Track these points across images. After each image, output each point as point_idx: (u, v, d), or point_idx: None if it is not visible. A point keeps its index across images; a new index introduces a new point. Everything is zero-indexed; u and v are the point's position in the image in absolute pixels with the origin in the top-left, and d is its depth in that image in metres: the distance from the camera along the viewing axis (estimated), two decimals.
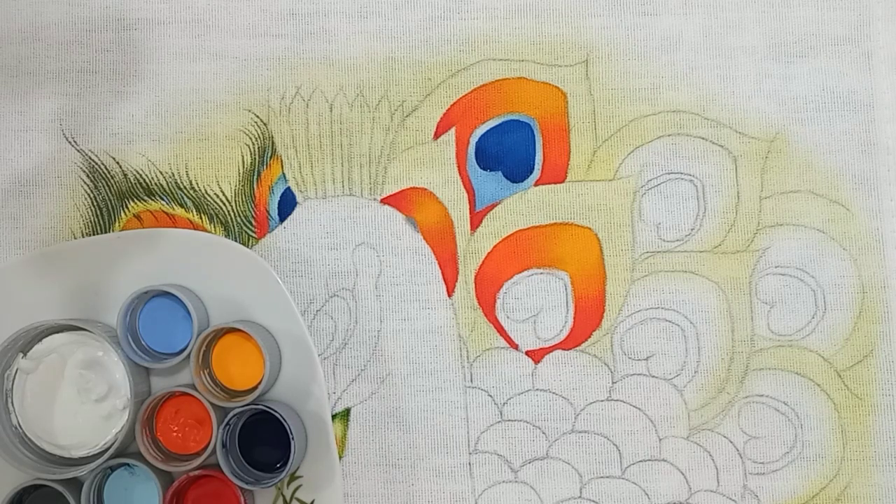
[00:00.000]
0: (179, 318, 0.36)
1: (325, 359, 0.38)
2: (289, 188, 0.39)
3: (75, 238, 0.39)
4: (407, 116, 0.39)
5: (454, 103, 0.39)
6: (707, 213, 0.39)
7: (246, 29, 0.39)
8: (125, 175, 0.39)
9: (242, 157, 0.39)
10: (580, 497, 0.38)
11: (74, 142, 0.39)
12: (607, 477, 0.38)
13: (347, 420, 0.38)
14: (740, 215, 0.39)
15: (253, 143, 0.39)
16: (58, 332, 0.36)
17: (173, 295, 0.35)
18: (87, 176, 0.39)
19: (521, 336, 0.38)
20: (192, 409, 0.36)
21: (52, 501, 0.35)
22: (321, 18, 0.39)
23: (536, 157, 0.39)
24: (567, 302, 0.38)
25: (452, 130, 0.39)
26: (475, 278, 0.38)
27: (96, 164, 0.39)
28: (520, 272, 0.38)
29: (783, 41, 0.39)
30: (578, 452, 0.38)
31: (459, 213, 0.39)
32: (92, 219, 0.39)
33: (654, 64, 0.39)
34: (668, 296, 0.38)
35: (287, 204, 0.39)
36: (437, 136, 0.39)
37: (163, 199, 0.39)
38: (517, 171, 0.39)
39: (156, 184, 0.39)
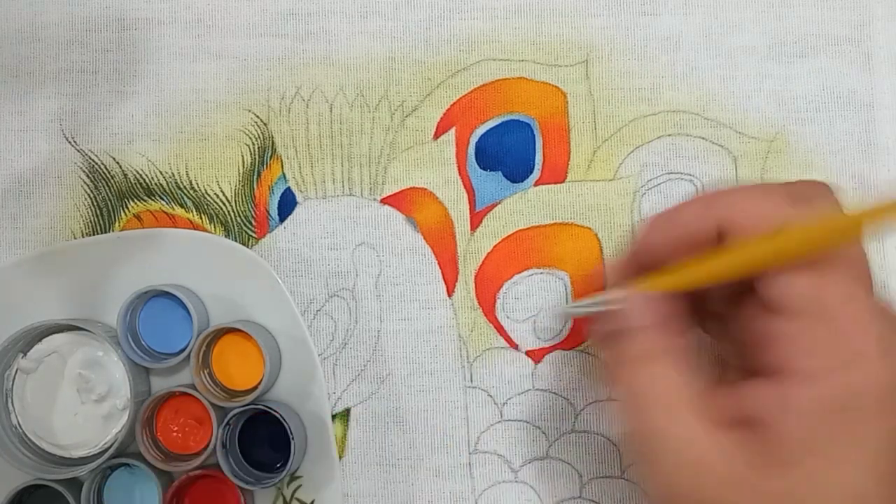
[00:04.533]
0: (179, 318, 0.36)
1: (325, 359, 0.38)
2: (289, 188, 0.39)
3: (75, 238, 0.39)
4: (407, 116, 0.39)
5: (454, 103, 0.39)
6: None
7: (246, 29, 0.39)
8: (125, 175, 0.39)
9: (242, 157, 0.39)
10: (580, 497, 0.38)
11: (74, 142, 0.39)
12: (607, 477, 0.38)
13: (347, 420, 0.38)
14: None
15: (253, 143, 0.39)
16: (58, 332, 0.36)
17: (173, 295, 0.35)
18: (87, 176, 0.39)
19: (521, 336, 0.38)
20: (192, 409, 0.36)
21: (52, 501, 0.35)
22: (321, 18, 0.39)
23: (536, 157, 0.39)
24: (567, 302, 0.38)
25: (452, 130, 0.39)
26: (475, 278, 0.38)
27: (96, 164, 0.39)
28: (520, 272, 0.38)
29: (783, 41, 0.39)
30: (578, 452, 0.38)
31: (459, 213, 0.39)
32: (92, 219, 0.39)
33: (654, 64, 0.39)
34: None
35: (287, 204, 0.39)
36: (437, 136, 0.39)
37: (163, 199, 0.39)
38: (517, 171, 0.39)
39: (156, 184, 0.39)
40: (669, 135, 0.39)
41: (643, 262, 0.30)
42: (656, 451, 0.27)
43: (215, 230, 0.39)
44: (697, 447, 0.26)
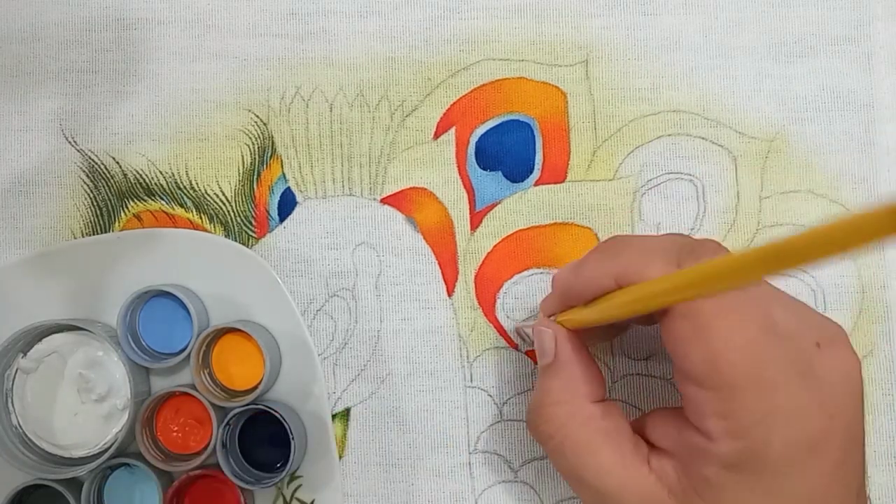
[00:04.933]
0: (179, 318, 0.36)
1: (325, 359, 0.38)
2: (289, 188, 0.39)
3: (75, 238, 0.39)
4: (407, 116, 0.39)
5: (454, 103, 0.39)
6: (707, 213, 0.39)
7: (246, 29, 0.39)
8: (125, 175, 0.39)
9: (242, 156, 0.39)
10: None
11: (74, 142, 0.39)
12: None
13: (347, 420, 0.38)
14: (740, 215, 0.39)
15: (253, 143, 0.39)
16: (58, 332, 0.36)
17: (173, 295, 0.35)
18: (87, 176, 0.39)
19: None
20: (192, 409, 0.36)
21: (52, 501, 0.35)
22: (321, 18, 0.39)
23: (536, 157, 0.39)
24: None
25: (452, 130, 0.39)
26: (475, 278, 0.38)
27: (96, 163, 0.39)
28: (520, 272, 0.38)
29: (783, 41, 0.39)
30: None
31: (459, 213, 0.39)
32: (92, 219, 0.39)
33: (654, 64, 0.39)
34: None
35: (287, 204, 0.39)
36: (437, 135, 0.39)
37: (163, 199, 0.39)
38: (517, 170, 0.39)
39: (156, 184, 0.39)
40: (669, 135, 0.39)
41: (565, 302, 0.32)
42: (581, 484, 0.30)
43: (215, 230, 0.39)
44: (617, 475, 0.29)
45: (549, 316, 0.33)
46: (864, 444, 0.29)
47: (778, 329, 0.27)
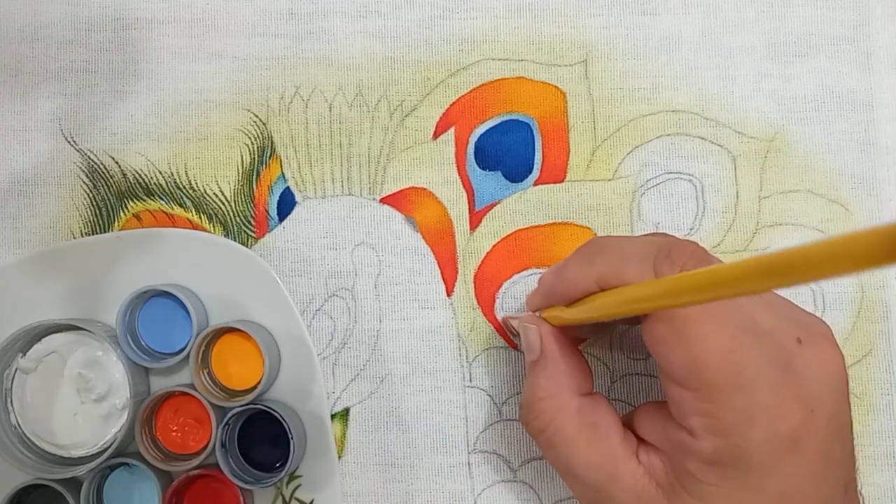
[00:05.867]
0: (179, 318, 0.36)
1: (324, 358, 0.38)
2: (288, 188, 0.39)
3: (75, 238, 0.39)
4: (406, 116, 0.39)
5: (453, 103, 0.39)
6: (706, 213, 0.39)
7: (245, 29, 0.39)
8: (124, 175, 0.39)
9: (241, 156, 0.39)
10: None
11: (73, 141, 0.39)
12: None
13: (347, 420, 0.38)
14: (739, 215, 0.39)
15: (252, 143, 0.39)
16: (57, 332, 0.36)
17: (173, 295, 0.35)
18: (87, 176, 0.39)
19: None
20: (192, 408, 0.36)
21: (51, 501, 0.35)
22: (320, 18, 0.39)
23: (535, 157, 0.39)
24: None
25: (452, 130, 0.39)
26: (474, 278, 0.38)
27: (95, 163, 0.39)
28: (519, 272, 0.38)
29: (782, 41, 0.39)
30: None
31: (459, 213, 0.39)
32: (91, 219, 0.39)
33: (653, 64, 0.39)
34: None
35: (286, 204, 0.39)
36: (436, 135, 0.39)
37: (162, 199, 0.39)
38: (516, 170, 0.39)
39: (155, 183, 0.39)
40: (668, 134, 0.39)
41: (550, 302, 0.33)
42: (572, 477, 0.30)
43: (214, 230, 0.39)
44: (606, 468, 0.29)
45: (535, 311, 0.34)
46: (851, 439, 0.29)
47: (757, 328, 0.27)
